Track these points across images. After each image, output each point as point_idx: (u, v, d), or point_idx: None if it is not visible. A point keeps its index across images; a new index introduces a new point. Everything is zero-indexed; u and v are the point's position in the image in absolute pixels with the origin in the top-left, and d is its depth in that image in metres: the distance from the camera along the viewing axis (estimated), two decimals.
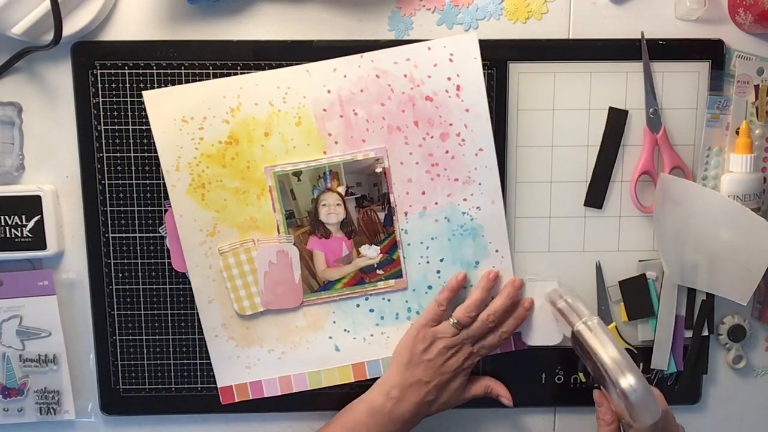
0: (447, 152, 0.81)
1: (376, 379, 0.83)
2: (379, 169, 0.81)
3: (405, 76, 0.80)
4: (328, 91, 0.80)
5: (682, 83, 0.83)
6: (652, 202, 0.84)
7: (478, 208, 0.82)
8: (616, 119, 0.83)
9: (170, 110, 0.79)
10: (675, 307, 0.85)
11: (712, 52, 0.82)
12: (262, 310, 0.83)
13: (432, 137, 0.81)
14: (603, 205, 0.84)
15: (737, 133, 0.82)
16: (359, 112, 0.80)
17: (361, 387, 0.86)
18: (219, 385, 0.85)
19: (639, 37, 0.82)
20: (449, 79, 0.79)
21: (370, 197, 0.82)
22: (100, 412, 0.88)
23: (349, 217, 0.82)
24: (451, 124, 0.80)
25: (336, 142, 0.81)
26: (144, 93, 0.79)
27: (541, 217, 0.85)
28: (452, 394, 0.81)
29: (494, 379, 0.85)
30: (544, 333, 0.85)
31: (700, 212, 0.82)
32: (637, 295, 0.85)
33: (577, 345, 0.77)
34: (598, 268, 0.86)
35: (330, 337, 0.84)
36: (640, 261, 0.86)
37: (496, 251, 0.83)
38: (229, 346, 0.84)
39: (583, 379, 0.87)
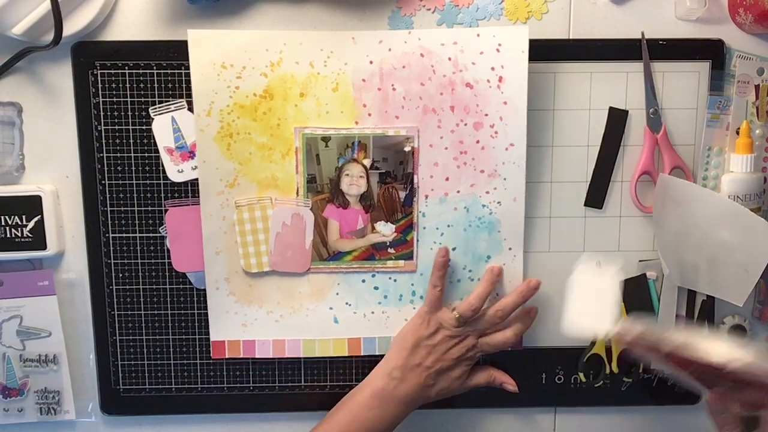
0: (478, 142, 0.81)
1: (369, 356, 0.84)
2: (407, 148, 0.81)
3: (449, 59, 0.79)
4: (371, 62, 0.80)
5: (682, 83, 0.83)
6: (652, 202, 0.84)
7: (498, 203, 0.82)
8: (616, 119, 0.83)
9: (211, 53, 0.79)
10: (675, 307, 0.85)
11: (712, 52, 0.82)
12: (267, 270, 0.83)
13: (465, 125, 0.80)
14: (603, 206, 0.84)
15: (737, 133, 0.82)
16: (398, 87, 0.80)
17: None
18: (212, 339, 0.84)
19: (639, 37, 0.82)
20: (493, 69, 0.79)
21: (393, 174, 0.82)
22: (101, 412, 0.88)
23: (370, 191, 0.82)
24: (486, 115, 0.80)
25: (369, 114, 0.81)
26: (189, 31, 0.78)
27: (541, 217, 0.85)
28: (453, 381, 0.81)
29: (497, 369, 0.85)
30: (585, 322, 0.79)
31: (699, 213, 0.82)
32: (637, 295, 0.85)
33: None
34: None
35: (331, 308, 0.84)
36: (640, 261, 0.86)
37: (510, 249, 0.83)
38: (228, 301, 0.84)
39: (583, 379, 0.87)
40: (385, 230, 0.83)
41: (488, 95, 0.80)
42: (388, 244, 0.83)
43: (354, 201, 0.82)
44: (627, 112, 0.83)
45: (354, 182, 0.82)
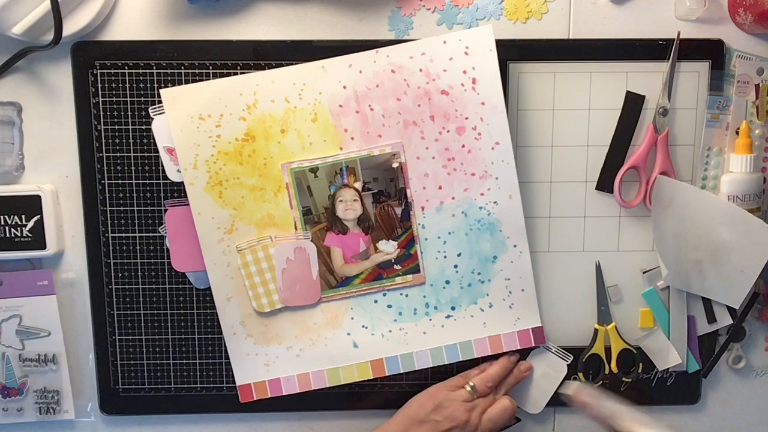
0: (463, 146, 0.81)
1: (394, 375, 0.84)
2: (395, 164, 0.81)
3: (420, 70, 0.80)
4: (344, 87, 0.80)
5: (682, 83, 0.83)
6: (633, 197, 0.84)
7: (495, 202, 0.82)
8: (633, 104, 0.82)
9: (187, 108, 0.79)
10: (686, 308, 0.85)
11: (712, 52, 0.82)
12: (280, 307, 0.83)
13: (448, 131, 0.81)
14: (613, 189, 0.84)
15: (737, 133, 0.82)
16: (375, 107, 0.80)
17: (361, 387, 0.86)
18: (238, 383, 0.84)
19: (639, 37, 0.82)
20: (465, 72, 0.79)
21: (387, 192, 0.82)
22: (100, 412, 0.88)
23: (366, 213, 0.82)
24: (467, 118, 0.80)
25: (352, 138, 0.81)
26: (162, 91, 0.79)
27: (541, 217, 0.85)
28: None
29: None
30: (530, 400, 0.87)
31: (697, 214, 0.82)
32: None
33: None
34: (598, 269, 0.86)
35: (348, 334, 0.84)
36: (644, 272, 0.85)
37: (515, 246, 0.83)
38: (247, 344, 0.84)
39: (583, 379, 0.87)
40: (388, 248, 0.83)
41: (465, 99, 0.80)
42: (393, 261, 0.83)
43: (352, 225, 0.82)
44: (644, 96, 0.82)
45: (349, 207, 0.82)
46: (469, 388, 0.81)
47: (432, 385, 0.83)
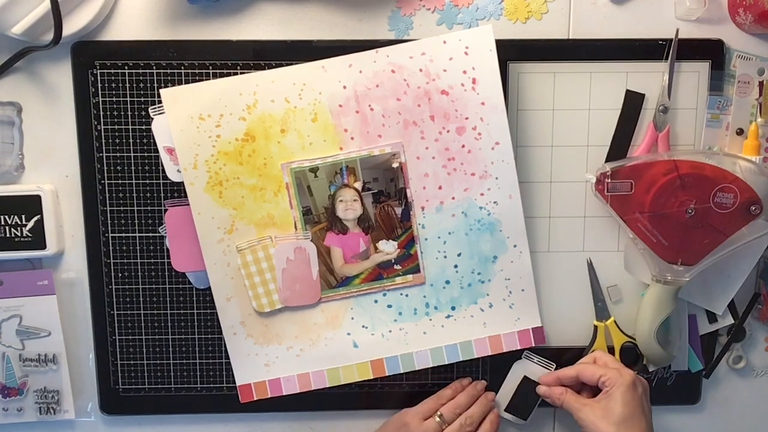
0: (463, 146, 0.81)
1: (394, 375, 0.84)
2: (395, 164, 0.81)
3: (420, 70, 0.80)
4: (344, 87, 0.80)
5: (682, 83, 0.83)
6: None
7: (495, 202, 0.82)
8: (633, 103, 0.82)
9: (187, 108, 0.79)
10: (686, 308, 0.85)
11: (712, 52, 0.82)
12: (280, 307, 0.83)
13: (448, 131, 0.81)
14: None
15: (737, 133, 0.82)
16: (375, 107, 0.80)
17: (362, 387, 0.86)
18: (238, 383, 0.84)
19: (638, 37, 0.82)
20: (465, 72, 0.79)
21: (387, 192, 0.82)
22: (100, 412, 0.88)
23: (366, 213, 0.82)
24: (467, 118, 0.80)
25: (352, 138, 0.81)
26: (162, 91, 0.79)
27: (541, 217, 0.85)
28: None
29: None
30: (518, 410, 0.87)
31: None
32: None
33: None
34: (590, 265, 0.85)
35: (348, 334, 0.84)
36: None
37: (514, 246, 0.83)
38: (247, 344, 0.84)
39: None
40: (388, 248, 0.83)
41: (465, 99, 0.80)
42: (393, 261, 0.83)
43: (352, 225, 0.82)
44: (644, 95, 0.82)
45: (349, 207, 0.82)
46: (437, 419, 0.81)
47: (403, 410, 0.83)
